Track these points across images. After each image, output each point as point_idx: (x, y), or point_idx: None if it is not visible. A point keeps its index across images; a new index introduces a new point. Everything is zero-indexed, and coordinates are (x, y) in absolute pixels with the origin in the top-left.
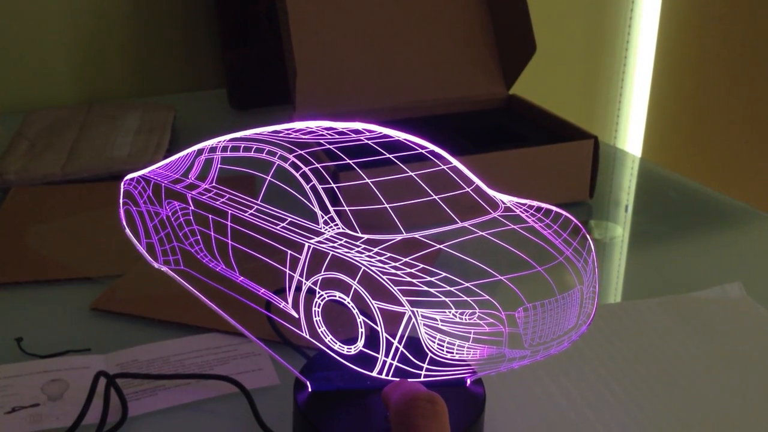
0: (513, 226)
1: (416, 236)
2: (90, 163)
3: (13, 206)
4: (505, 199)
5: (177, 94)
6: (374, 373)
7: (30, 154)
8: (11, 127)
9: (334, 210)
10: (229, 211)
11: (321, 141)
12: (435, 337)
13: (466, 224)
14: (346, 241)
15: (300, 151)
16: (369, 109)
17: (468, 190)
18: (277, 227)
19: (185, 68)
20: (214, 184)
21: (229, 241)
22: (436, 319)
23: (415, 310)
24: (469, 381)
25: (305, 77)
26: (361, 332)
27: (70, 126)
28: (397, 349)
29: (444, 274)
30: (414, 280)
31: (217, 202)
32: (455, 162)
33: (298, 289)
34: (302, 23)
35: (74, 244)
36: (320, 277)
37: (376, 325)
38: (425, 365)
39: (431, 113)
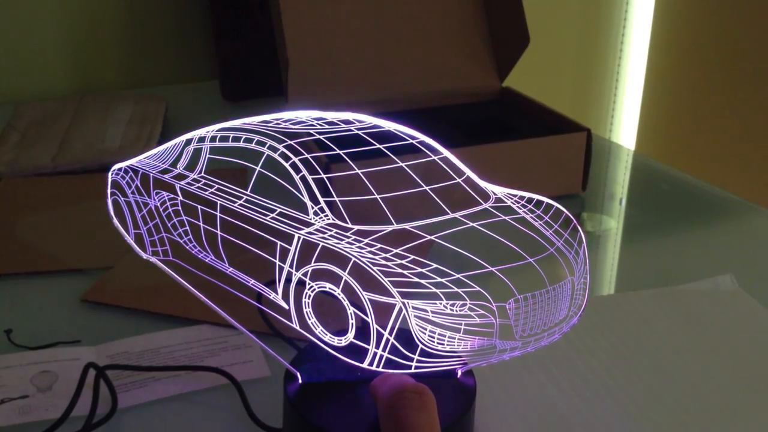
0: (504, 217)
1: (407, 227)
2: (81, 155)
3: (4, 198)
4: (497, 190)
5: (169, 86)
6: (365, 365)
7: (21, 146)
8: (2, 119)
9: (324, 201)
10: (219, 202)
11: (311, 131)
12: (426, 329)
13: (457, 215)
14: (336, 232)
15: (290, 141)
16: (362, 100)
17: (459, 180)
18: (267, 218)
19: (177, 59)
20: (202, 174)
21: (219, 232)
22: (426, 311)
23: (405, 301)
24: (460, 372)
25: (298, 68)
26: (352, 323)
27: (61, 117)
28: (387, 340)
29: (435, 265)
30: (405, 272)
31: (206, 193)
32: (446, 153)
33: (288, 280)
34: (295, 14)
35: (65, 235)
36: (310, 269)
37: (367, 316)
38: (416, 357)
39: (425, 105)
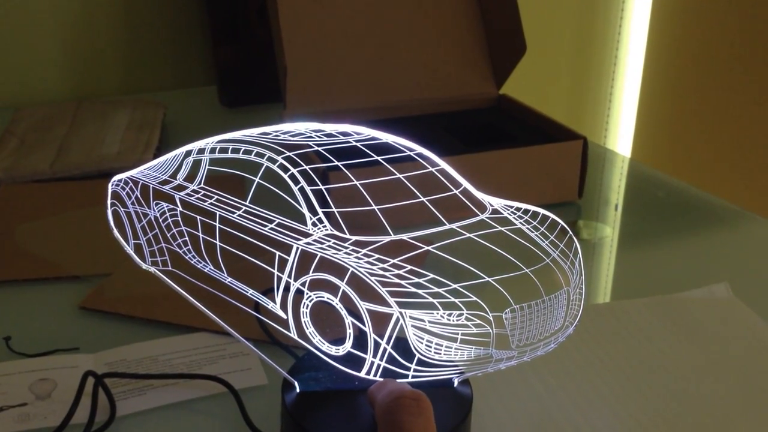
0: (500, 228)
1: (404, 238)
2: (79, 161)
3: (2, 204)
4: (493, 201)
5: (167, 92)
6: (362, 374)
7: (19, 152)
8: (0, 124)
9: (322, 211)
10: (218, 213)
11: (309, 143)
12: (423, 338)
13: (453, 226)
14: (334, 243)
15: (288, 153)
16: (360, 107)
17: (456, 192)
18: (266, 228)
19: (175, 65)
20: (202, 185)
21: (218, 242)
22: (423, 320)
23: (402, 311)
24: (456, 381)
25: (296, 75)
26: (349, 333)
27: (60, 123)
28: (384, 349)
29: (432, 275)
30: (402, 282)
31: (206, 204)
32: (443, 164)
33: (287, 290)
34: (293, 21)
35: (63, 242)
36: (308, 278)
37: (364, 326)
38: (413, 366)
39: (422, 112)
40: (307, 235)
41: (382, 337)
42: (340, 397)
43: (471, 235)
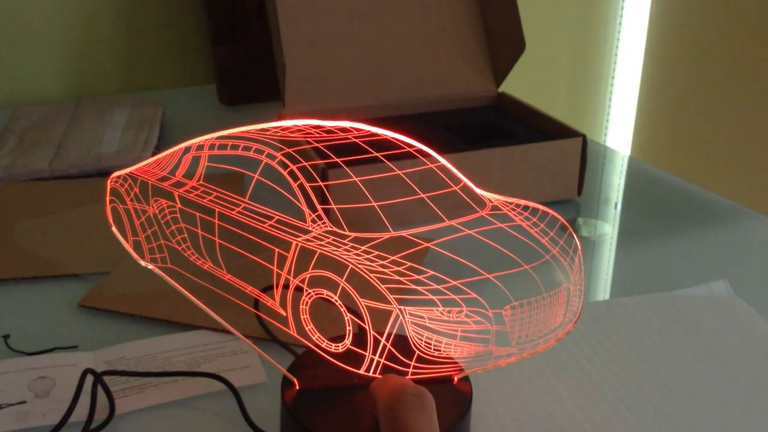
0: (500, 225)
1: (404, 234)
2: (78, 160)
3: (0, 202)
4: (493, 197)
5: (166, 90)
6: (362, 371)
7: (17, 150)
8: None
9: (321, 208)
10: (217, 209)
11: (309, 139)
12: (422, 335)
13: (453, 223)
14: (333, 240)
15: (288, 149)
16: (358, 106)
17: (456, 188)
18: (265, 225)
19: (174, 64)
20: (201, 181)
21: (217, 239)
22: (423, 317)
23: (402, 308)
24: (456, 378)
25: (295, 74)
26: (349, 330)
27: (58, 122)
28: (384, 346)
29: (431, 272)
30: (401, 279)
31: (205, 200)
32: (443, 161)
33: (286, 286)
34: (292, 19)
35: (62, 240)
36: (308, 275)
37: (364, 322)
38: (413, 363)
39: (421, 110)
40: (306, 231)
41: (381, 334)
42: (339, 395)
43: (471, 232)
